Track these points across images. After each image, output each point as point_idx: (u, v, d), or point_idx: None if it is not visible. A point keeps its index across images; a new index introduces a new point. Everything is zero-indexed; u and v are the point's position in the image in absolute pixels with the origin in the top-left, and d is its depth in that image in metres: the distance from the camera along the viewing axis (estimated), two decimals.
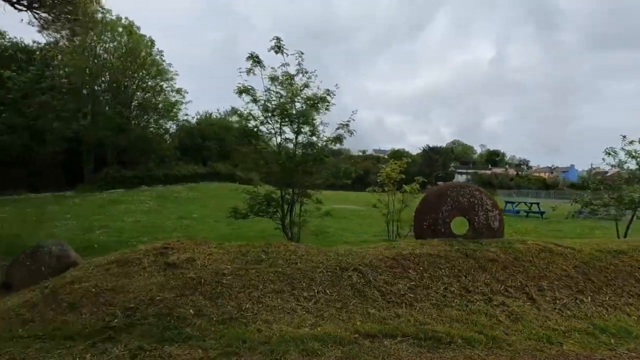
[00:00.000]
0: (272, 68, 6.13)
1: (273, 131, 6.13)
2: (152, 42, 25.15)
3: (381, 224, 7.66)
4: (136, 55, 24.09)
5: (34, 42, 21.47)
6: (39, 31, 5.81)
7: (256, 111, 6.24)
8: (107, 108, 23.67)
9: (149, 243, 5.37)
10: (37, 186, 19.59)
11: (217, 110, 37.82)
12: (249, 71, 5.82)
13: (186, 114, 29.65)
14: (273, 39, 6.10)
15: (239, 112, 6.36)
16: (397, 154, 53.03)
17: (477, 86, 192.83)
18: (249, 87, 5.76)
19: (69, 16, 5.58)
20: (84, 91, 23.43)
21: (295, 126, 5.53)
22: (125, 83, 25.01)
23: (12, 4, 5.55)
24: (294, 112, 5.36)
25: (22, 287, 4.27)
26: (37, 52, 21.49)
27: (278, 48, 6.09)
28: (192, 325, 3.29)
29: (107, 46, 24.22)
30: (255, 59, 5.79)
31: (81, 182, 21.60)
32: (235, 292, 3.81)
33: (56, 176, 21.18)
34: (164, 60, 25.96)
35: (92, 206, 13.97)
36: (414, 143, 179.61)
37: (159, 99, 25.99)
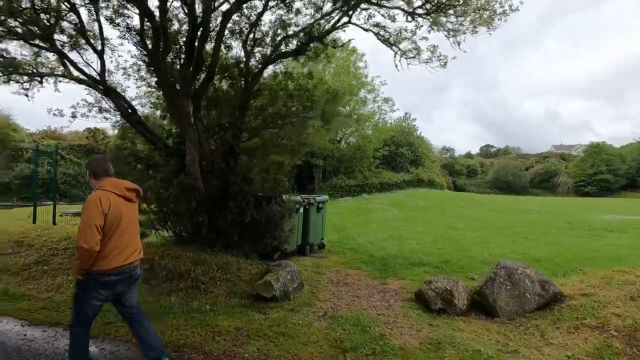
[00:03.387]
0: None
1: None
2: (362, 55, 26.49)
3: None
4: (348, 71, 25.78)
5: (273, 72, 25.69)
6: (448, 36, 5.69)
7: None
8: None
9: (613, 271, 4.41)
10: None
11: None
12: None
13: (389, 122, 30.25)
14: None
15: None
16: (597, 148, 40.69)
17: None
18: None
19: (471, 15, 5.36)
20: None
21: None
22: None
23: (410, 14, 5.66)
24: None
25: (510, 314, 3.83)
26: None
27: None
28: None
29: (322, 66, 26.92)
30: None
31: (312, 190, 24.38)
32: None
33: (293, 186, 24.59)
34: (367, 73, 27.05)
35: (347, 214, 14.90)
36: (608, 134, 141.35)
37: (367, 110, 27.17)
